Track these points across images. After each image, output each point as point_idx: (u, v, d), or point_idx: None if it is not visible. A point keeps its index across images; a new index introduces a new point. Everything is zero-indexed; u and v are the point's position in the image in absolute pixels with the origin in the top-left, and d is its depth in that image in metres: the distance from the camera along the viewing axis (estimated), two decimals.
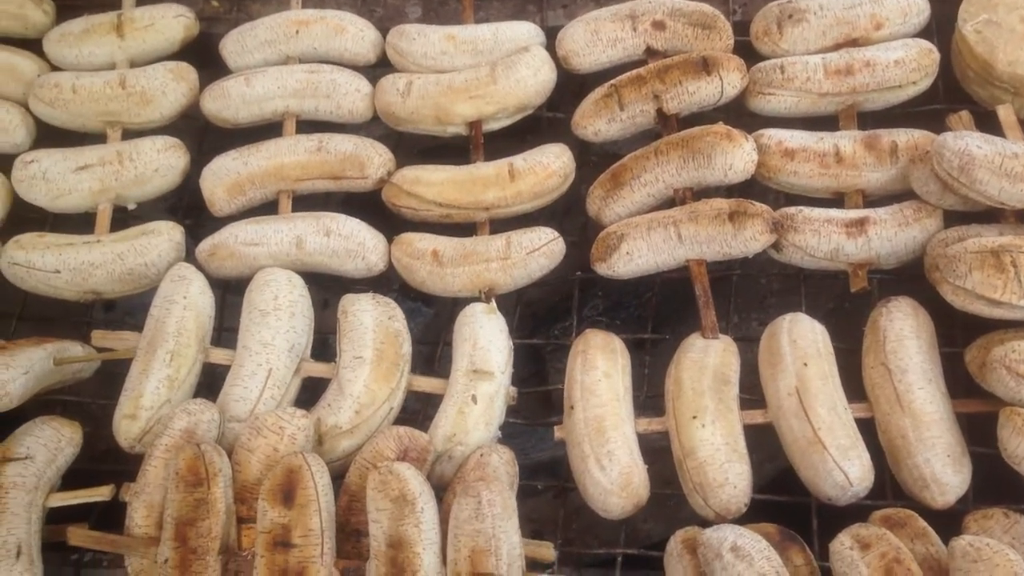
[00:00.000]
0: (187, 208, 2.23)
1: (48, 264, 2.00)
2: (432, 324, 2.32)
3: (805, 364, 1.75)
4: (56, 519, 1.77)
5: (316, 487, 1.60)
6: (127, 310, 2.29)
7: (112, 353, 1.90)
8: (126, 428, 1.80)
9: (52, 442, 1.75)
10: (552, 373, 2.30)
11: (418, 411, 1.96)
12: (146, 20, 2.28)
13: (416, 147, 2.30)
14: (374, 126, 2.27)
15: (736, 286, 2.04)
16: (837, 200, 2.00)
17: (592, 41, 2.16)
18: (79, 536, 1.70)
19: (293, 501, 1.59)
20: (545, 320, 2.36)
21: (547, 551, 1.68)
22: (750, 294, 2.22)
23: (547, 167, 2.05)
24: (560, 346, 2.26)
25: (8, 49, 2.28)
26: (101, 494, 1.73)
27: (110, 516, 1.81)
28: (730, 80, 2.03)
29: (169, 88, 2.19)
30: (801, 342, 1.78)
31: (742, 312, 2.16)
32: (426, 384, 1.90)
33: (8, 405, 1.70)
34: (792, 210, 1.92)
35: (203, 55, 2.35)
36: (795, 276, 2.04)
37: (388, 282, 2.13)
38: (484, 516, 1.55)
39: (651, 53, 2.16)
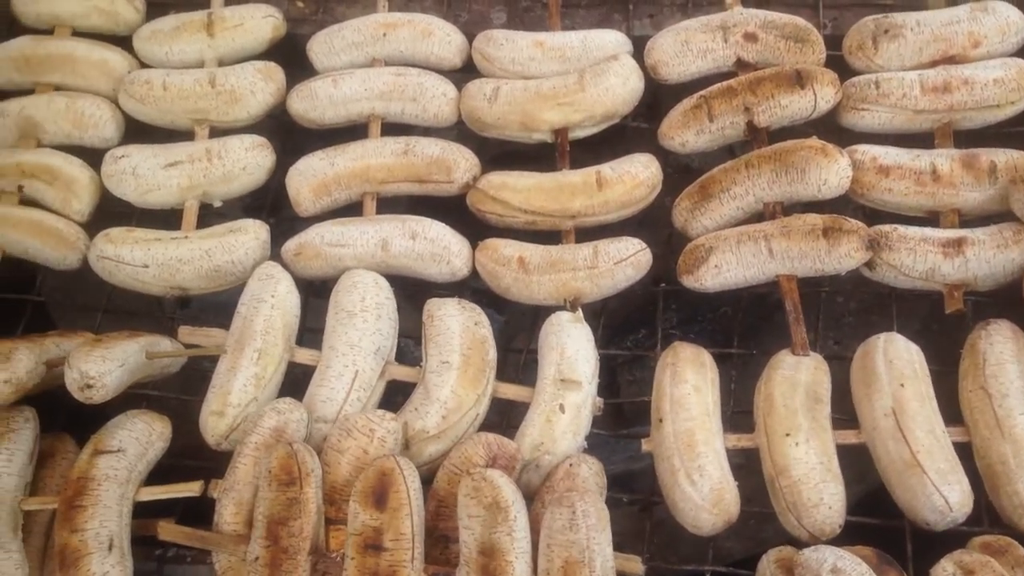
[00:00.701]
0: (270, 208, 2.23)
1: (137, 259, 2.01)
2: (504, 331, 2.30)
3: (902, 385, 1.71)
4: (138, 514, 1.75)
5: (408, 491, 1.59)
6: (202, 307, 2.29)
7: (201, 349, 1.90)
8: (213, 425, 1.80)
9: (143, 436, 1.75)
10: (624, 385, 2.28)
11: (498, 423, 1.94)
12: (236, 20, 2.28)
13: (488, 154, 2.29)
14: (448, 131, 2.26)
15: (815, 304, 2.00)
16: (928, 219, 1.96)
17: (682, 51, 2.14)
18: (169, 531, 1.70)
19: (385, 504, 1.58)
20: (619, 331, 2.33)
21: (636, 565, 1.66)
22: (826, 313, 2.18)
23: (635, 177, 2.03)
24: (632, 358, 2.24)
25: (99, 44, 2.29)
26: (191, 490, 1.72)
27: (191, 512, 1.81)
28: (824, 94, 2.01)
29: (258, 87, 2.20)
30: (897, 362, 1.75)
31: (818, 330, 2.14)
32: (512, 391, 1.88)
33: (104, 397, 1.70)
34: (887, 228, 1.89)
35: (287, 55, 2.35)
36: (875, 295, 2.01)
37: (462, 288, 2.12)
38: (578, 527, 1.53)
39: (741, 65, 2.13)
